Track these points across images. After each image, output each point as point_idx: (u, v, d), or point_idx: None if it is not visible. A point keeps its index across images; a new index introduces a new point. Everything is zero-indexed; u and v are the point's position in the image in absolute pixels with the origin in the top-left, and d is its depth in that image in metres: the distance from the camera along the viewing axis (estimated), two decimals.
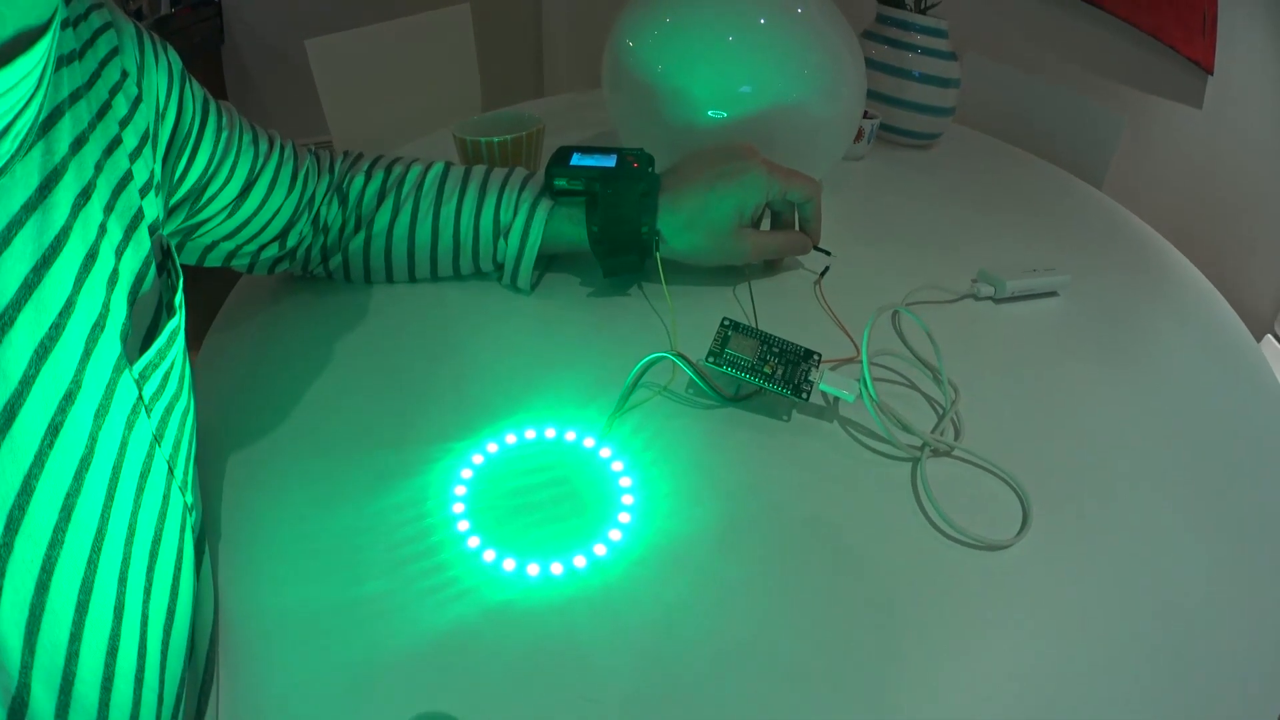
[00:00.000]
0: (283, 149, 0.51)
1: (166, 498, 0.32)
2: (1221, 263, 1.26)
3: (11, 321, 0.24)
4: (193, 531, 0.35)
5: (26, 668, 0.24)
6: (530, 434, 0.44)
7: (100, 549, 0.27)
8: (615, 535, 0.38)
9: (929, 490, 0.42)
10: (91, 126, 0.31)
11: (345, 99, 1.26)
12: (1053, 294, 0.63)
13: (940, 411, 0.48)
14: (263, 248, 0.52)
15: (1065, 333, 0.59)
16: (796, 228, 0.61)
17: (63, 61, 0.30)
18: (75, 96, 0.30)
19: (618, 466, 0.42)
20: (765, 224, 0.62)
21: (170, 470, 0.32)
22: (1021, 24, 1.57)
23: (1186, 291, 0.68)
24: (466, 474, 0.41)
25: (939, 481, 0.43)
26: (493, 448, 0.43)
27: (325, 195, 0.54)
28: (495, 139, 0.71)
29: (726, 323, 0.47)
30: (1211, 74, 1.35)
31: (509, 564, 0.37)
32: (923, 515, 0.41)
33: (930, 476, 0.43)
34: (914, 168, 0.90)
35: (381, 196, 0.55)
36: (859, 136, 0.86)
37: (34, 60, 0.25)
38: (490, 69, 1.46)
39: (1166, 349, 0.59)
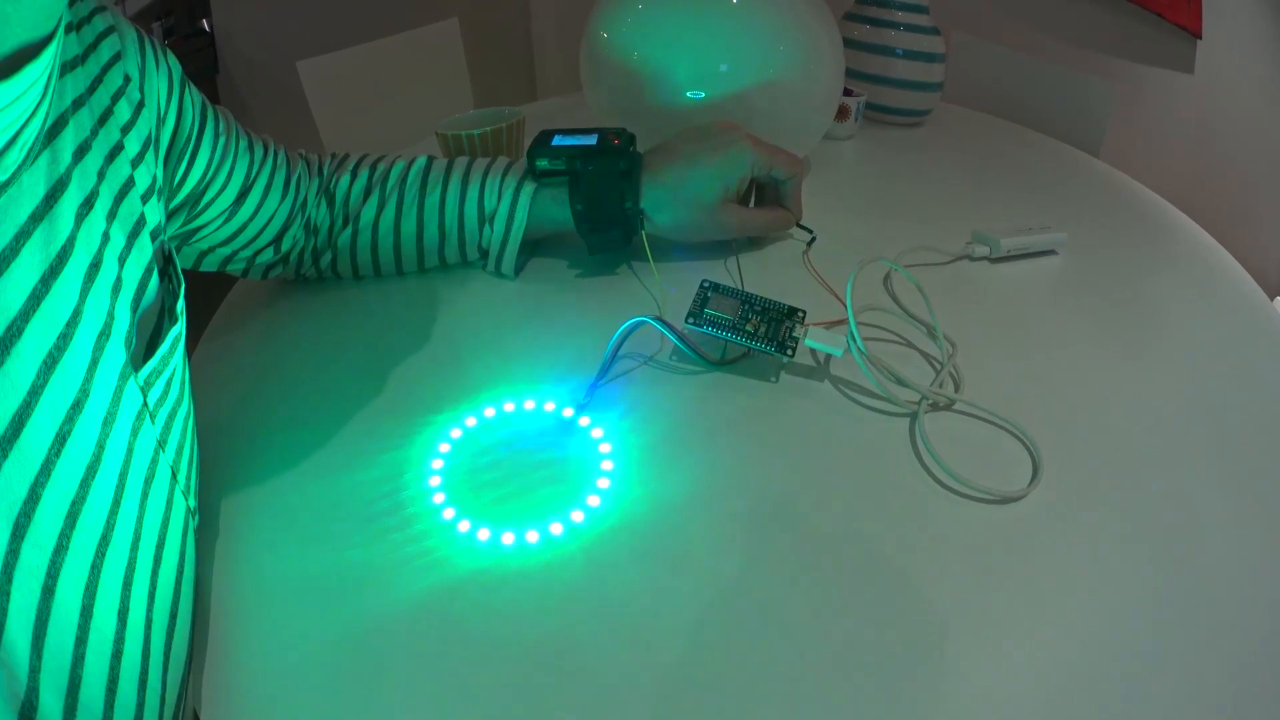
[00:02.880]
0: (276, 154, 0.51)
1: (170, 502, 0.32)
2: (1226, 226, 1.23)
3: (20, 332, 0.24)
4: (195, 535, 0.35)
5: (35, 671, 0.24)
6: (509, 406, 0.42)
7: (105, 554, 0.27)
8: (594, 501, 0.37)
9: (929, 444, 0.40)
10: (94, 134, 0.31)
11: (339, 119, 1.26)
12: (1051, 253, 0.61)
13: (937, 366, 0.46)
14: (258, 253, 0.52)
15: (1066, 290, 0.56)
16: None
17: (66, 68, 0.30)
18: (78, 103, 0.30)
19: (597, 434, 0.41)
20: (752, 203, 0.61)
21: (173, 475, 0.32)
22: (1005, 1, 1.56)
23: (1191, 249, 0.66)
24: (444, 448, 0.40)
25: (940, 435, 0.41)
26: (471, 421, 0.42)
27: (315, 198, 0.54)
28: (476, 131, 0.70)
29: (706, 284, 0.45)
30: (1200, 38, 1.33)
31: (483, 534, 0.35)
32: (924, 470, 0.39)
33: (930, 431, 0.41)
34: (904, 145, 0.88)
35: (367, 192, 0.55)
36: (846, 115, 0.85)
37: (40, 68, 0.24)
38: (481, 81, 1.47)
39: (1172, 304, 0.57)
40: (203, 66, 1.73)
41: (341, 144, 1.25)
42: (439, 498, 0.37)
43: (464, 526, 0.36)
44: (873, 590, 0.33)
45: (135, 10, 1.55)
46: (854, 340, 0.42)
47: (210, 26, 1.73)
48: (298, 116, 1.28)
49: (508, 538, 0.35)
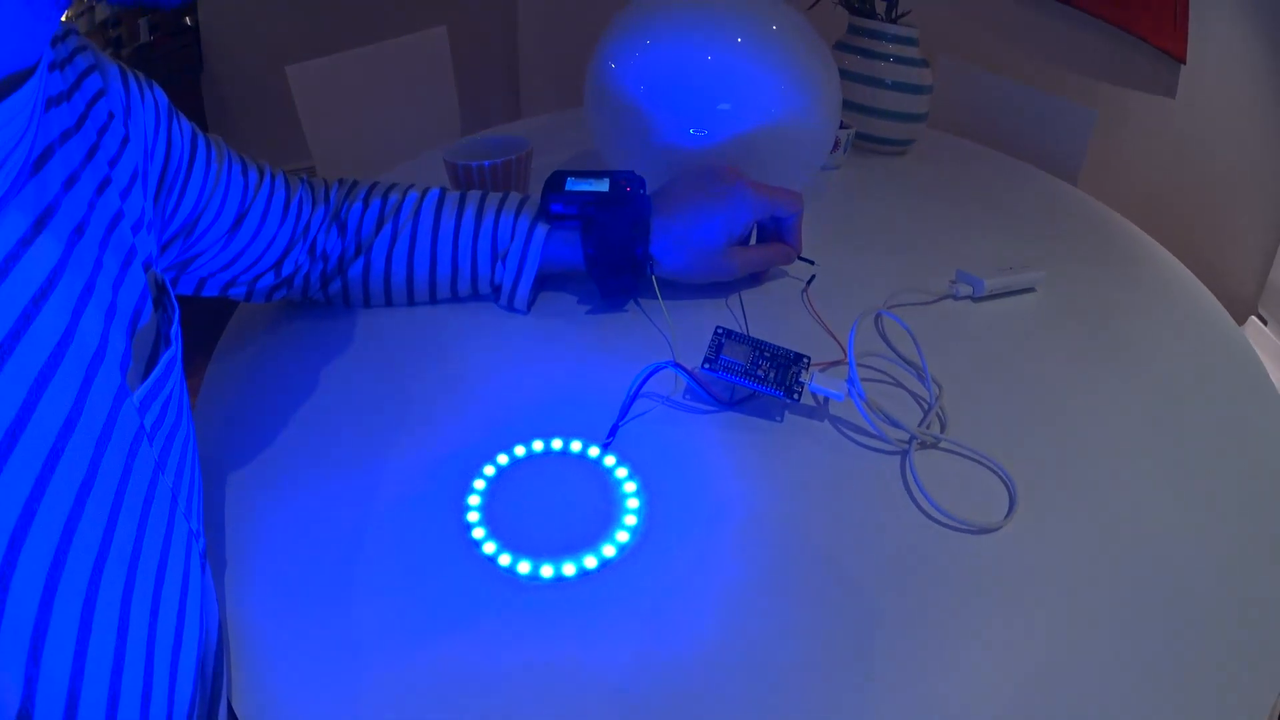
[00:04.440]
0: (273, 179, 0.52)
1: (171, 524, 0.32)
2: (1203, 249, 1.29)
3: (10, 351, 0.25)
4: (200, 558, 0.36)
5: (31, 682, 0.24)
6: (538, 445, 0.46)
7: (102, 572, 0.27)
8: (623, 537, 0.40)
9: (918, 480, 0.44)
10: (83, 165, 0.32)
11: (326, 123, 1.27)
12: (1030, 290, 0.65)
13: (926, 407, 0.51)
14: (258, 277, 0.53)
15: (1045, 326, 0.61)
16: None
17: (52, 103, 0.31)
18: (66, 136, 0.31)
19: (622, 473, 0.44)
20: (754, 239, 0.65)
21: (174, 497, 0.33)
22: (992, 25, 1.60)
23: (1163, 279, 0.71)
24: (479, 484, 0.43)
25: (927, 472, 0.45)
26: (502, 459, 0.45)
27: (322, 224, 0.56)
28: (486, 163, 0.72)
29: (720, 331, 0.49)
30: (1184, 63, 1.37)
31: (524, 567, 0.39)
32: (914, 504, 0.44)
33: (919, 468, 0.45)
34: (890, 174, 0.93)
35: (379, 223, 0.56)
36: (835, 146, 0.89)
37: (22, 102, 0.26)
38: (468, 90, 1.48)
39: (1145, 335, 0.61)
40: (187, 64, 1.72)
41: (327, 147, 1.27)
42: (479, 533, 0.40)
43: (505, 560, 0.39)
44: (864, 613, 0.38)
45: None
46: (854, 385, 0.46)
47: (195, 23, 1.72)
48: (282, 116, 1.28)
49: (546, 570, 0.39)
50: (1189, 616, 0.38)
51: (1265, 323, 1.33)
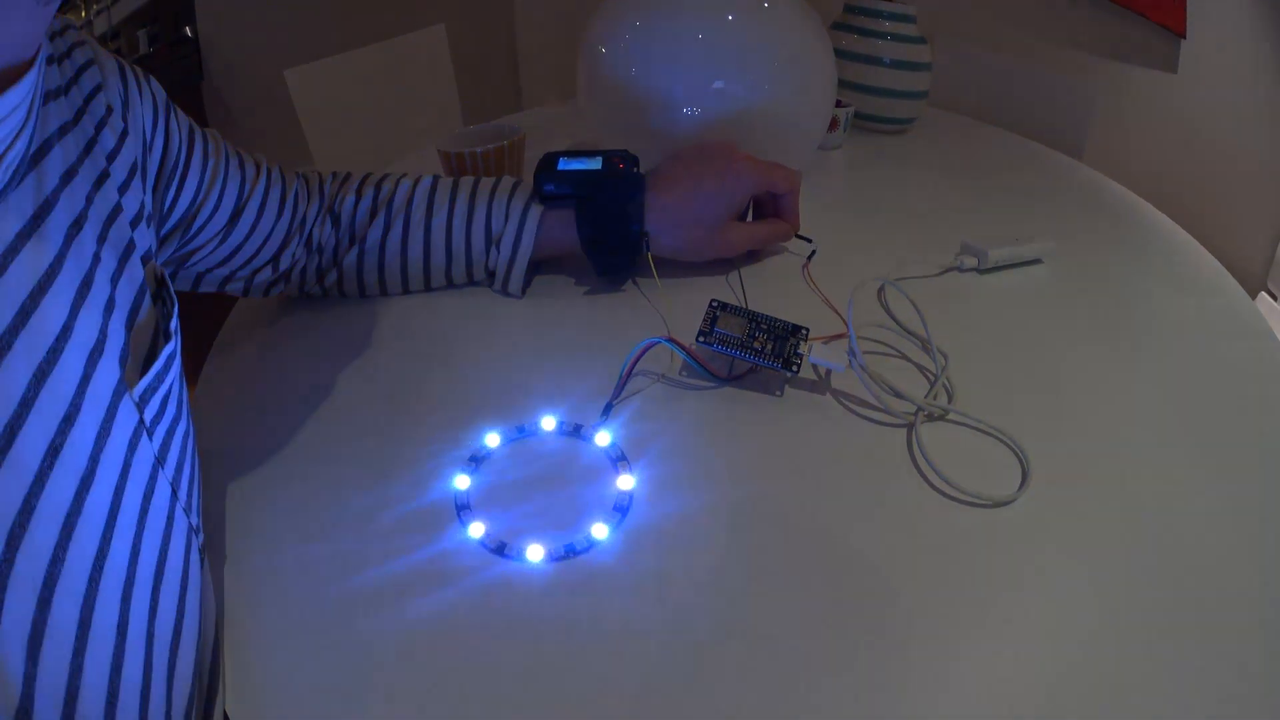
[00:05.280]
0: (269, 173, 0.51)
1: (171, 519, 0.32)
2: (1208, 224, 1.26)
3: (9, 345, 0.25)
4: (199, 553, 0.36)
5: (30, 679, 0.24)
6: (529, 425, 0.44)
7: (102, 568, 0.27)
8: (615, 516, 0.39)
9: (925, 453, 0.43)
10: (80, 160, 0.32)
11: (327, 127, 1.27)
12: (1037, 261, 0.63)
13: (932, 378, 0.49)
14: (256, 272, 0.53)
15: (1052, 297, 0.59)
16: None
17: (50, 97, 0.31)
18: (64, 130, 0.31)
19: (615, 452, 0.43)
20: (750, 217, 0.63)
21: (174, 492, 0.33)
22: (991, 4, 1.59)
23: (1172, 251, 0.69)
24: (468, 466, 0.42)
25: (935, 445, 0.43)
26: (493, 440, 0.43)
27: (317, 217, 0.55)
28: (478, 150, 0.72)
29: (715, 303, 0.47)
30: (1184, 37, 1.35)
31: (511, 549, 0.37)
32: (921, 478, 0.42)
33: (926, 440, 0.44)
34: (891, 153, 0.91)
35: (373, 213, 0.55)
36: (834, 126, 0.87)
37: (21, 95, 0.26)
38: (468, 87, 1.48)
39: (1158, 306, 0.59)
40: (187, 73, 1.72)
41: (330, 150, 1.26)
42: (465, 515, 0.39)
43: (491, 543, 0.38)
44: (873, 590, 0.36)
45: (121, 16, 1.54)
46: (855, 356, 0.44)
47: (195, 33, 1.73)
48: (284, 123, 1.28)
49: (534, 553, 0.37)
50: (1208, 587, 0.36)
51: (1276, 298, 1.30)
